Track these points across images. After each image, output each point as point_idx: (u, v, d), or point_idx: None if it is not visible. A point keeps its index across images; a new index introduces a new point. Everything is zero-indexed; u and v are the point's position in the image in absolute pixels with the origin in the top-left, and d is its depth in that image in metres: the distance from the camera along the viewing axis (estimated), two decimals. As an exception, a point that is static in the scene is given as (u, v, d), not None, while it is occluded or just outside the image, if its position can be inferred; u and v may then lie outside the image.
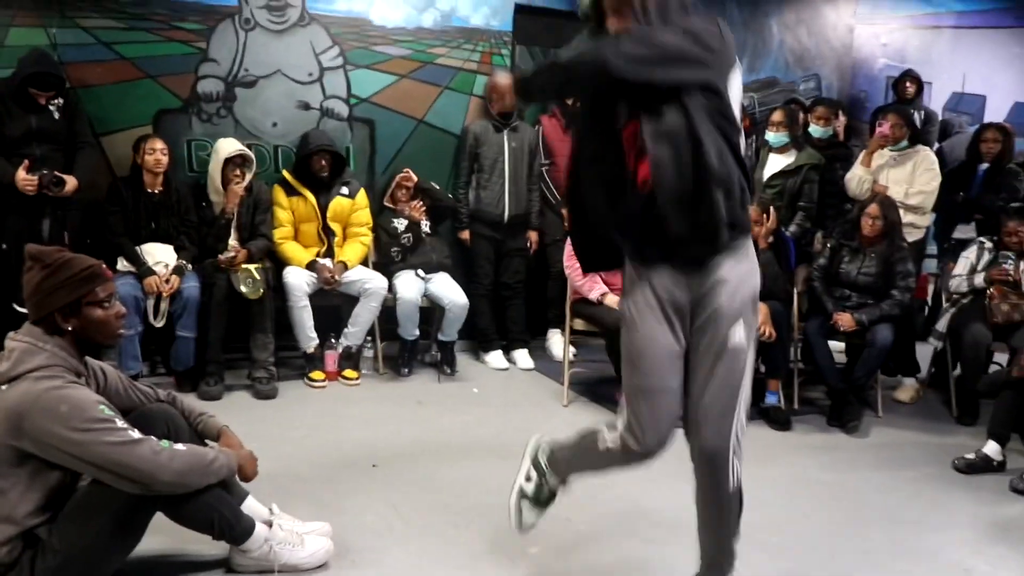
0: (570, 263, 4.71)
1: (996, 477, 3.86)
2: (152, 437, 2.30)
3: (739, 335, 2.19)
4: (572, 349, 5.07)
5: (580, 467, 2.55)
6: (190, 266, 4.57)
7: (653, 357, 2.23)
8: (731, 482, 2.26)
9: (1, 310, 4.23)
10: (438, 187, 5.34)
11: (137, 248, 4.48)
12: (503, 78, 2.63)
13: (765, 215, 4.55)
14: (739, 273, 2.20)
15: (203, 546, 2.68)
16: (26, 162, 4.22)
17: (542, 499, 2.63)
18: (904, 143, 5.25)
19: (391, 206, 5.26)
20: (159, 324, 4.42)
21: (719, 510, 2.35)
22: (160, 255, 4.48)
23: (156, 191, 4.56)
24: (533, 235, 5.60)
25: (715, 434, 2.21)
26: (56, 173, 4.26)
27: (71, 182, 4.32)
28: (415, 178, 5.22)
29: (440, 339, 5.18)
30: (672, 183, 2.06)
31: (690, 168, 2.05)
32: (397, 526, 3.07)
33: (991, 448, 3.95)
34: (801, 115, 5.60)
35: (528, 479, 2.63)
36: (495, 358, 5.44)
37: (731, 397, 2.20)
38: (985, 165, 5.50)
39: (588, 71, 2.11)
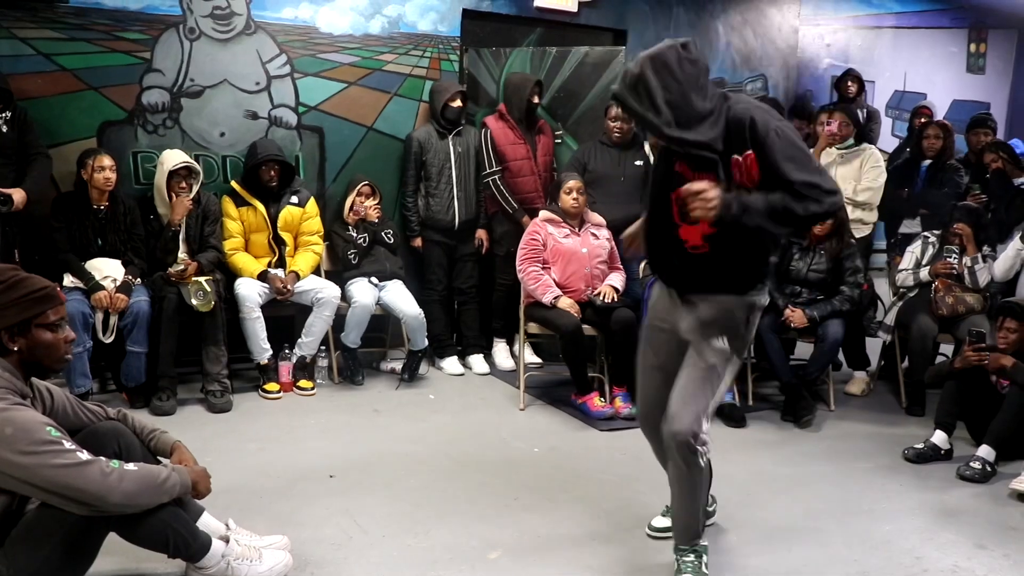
0: (523, 266, 4.70)
1: (944, 465, 3.96)
2: (101, 458, 2.24)
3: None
4: (529, 352, 5.06)
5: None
6: (138, 280, 4.49)
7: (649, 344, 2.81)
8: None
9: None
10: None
11: (84, 264, 4.39)
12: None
13: None
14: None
15: (159, 565, 2.66)
16: None
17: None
18: (850, 141, 5.35)
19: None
20: (108, 340, 4.34)
21: None
22: (108, 270, 4.40)
23: (102, 206, 4.47)
24: (482, 233, 5.53)
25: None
26: (2, 191, 4.17)
27: (18, 196, 4.22)
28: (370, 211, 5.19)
29: (410, 349, 5.11)
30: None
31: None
32: (356, 536, 3.05)
33: (938, 437, 4.05)
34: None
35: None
36: (451, 364, 5.42)
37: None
38: (928, 161, 5.64)
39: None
